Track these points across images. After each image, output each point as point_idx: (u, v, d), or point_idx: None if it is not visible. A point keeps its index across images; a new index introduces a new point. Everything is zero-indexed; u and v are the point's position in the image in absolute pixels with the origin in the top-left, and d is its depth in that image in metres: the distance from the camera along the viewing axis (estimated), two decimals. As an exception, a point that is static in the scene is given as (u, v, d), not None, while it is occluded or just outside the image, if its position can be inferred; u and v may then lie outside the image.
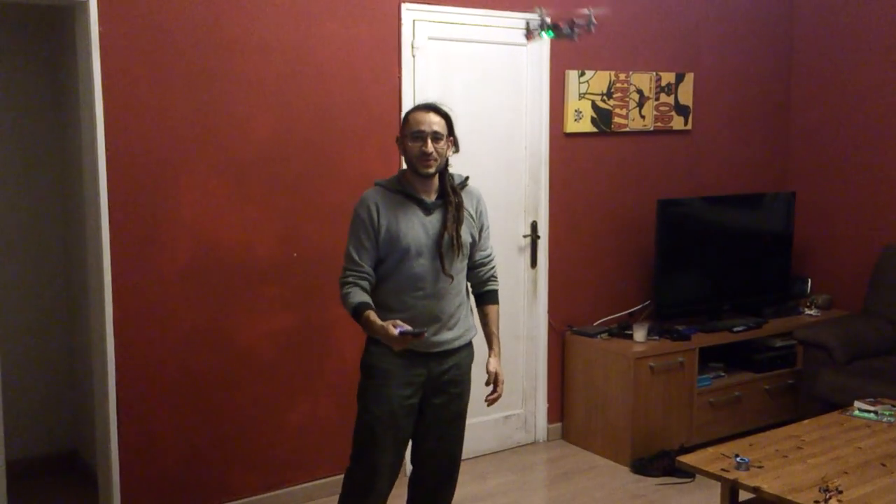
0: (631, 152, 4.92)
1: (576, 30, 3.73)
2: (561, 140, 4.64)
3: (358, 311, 2.83)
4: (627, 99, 4.83)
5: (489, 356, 3.09)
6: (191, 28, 3.58)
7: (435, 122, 2.90)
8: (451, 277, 2.94)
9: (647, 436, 4.44)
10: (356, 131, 4.00)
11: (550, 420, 4.79)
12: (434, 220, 2.92)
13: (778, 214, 5.24)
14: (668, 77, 4.98)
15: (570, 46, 4.59)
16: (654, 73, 4.92)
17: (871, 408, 3.78)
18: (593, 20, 3.83)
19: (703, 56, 5.16)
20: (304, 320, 3.95)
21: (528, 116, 4.54)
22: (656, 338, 4.59)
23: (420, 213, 2.92)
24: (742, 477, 3.08)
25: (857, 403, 3.83)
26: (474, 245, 3.05)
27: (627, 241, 4.95)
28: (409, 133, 2.90)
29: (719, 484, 3.21)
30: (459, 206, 2.95)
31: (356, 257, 2.91)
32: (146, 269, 3.58)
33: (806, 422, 3.73)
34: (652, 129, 4.95)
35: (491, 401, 3.07)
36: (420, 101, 4.15)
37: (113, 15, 3.41)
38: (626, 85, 4.81)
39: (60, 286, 4.44)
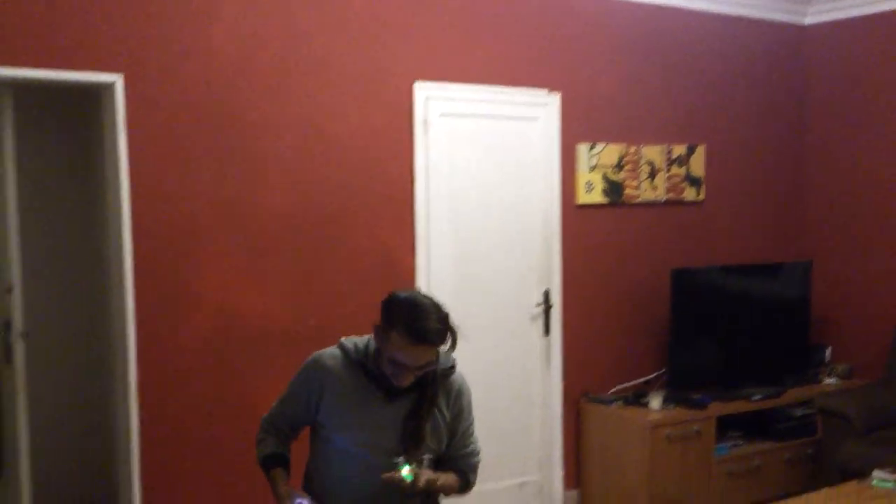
0: (643, 222, 4.98)
1: None
2: (573, 211, 4.72)
3: (266, 465, 2.47)
4: (638, 171, 4.90)
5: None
6: (213, 108, 3.76)
7: (425, 357, 2.29)
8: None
9: (665, 506, 4.40)
10: (370, 204, 4.13)
11: (567, 487, 4.75)
12: (395, 409, 2.37)
13: (795, 283, 5.23)
14: (679, 149, 5.05)
15: (581, 120, 4.71)
16: (666, 146, 5.00)
17: (891, 477, 3.72)
18: None
19: (714, 127, 5.23)
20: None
21: (540, 188, 4.63)
22: (672, 406, 4.58)
23: (380, 399, 2.37)
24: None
25: (875, 473, 3.77)
26: (444, 448, 2.44)
27: (641, 309, 4.97)
28: (390, 352, 2.29)
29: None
30: (432, 402, 2.38)
31: (278, 414, 2.52)
32: (169, 340, 3.69)
33: (824, 491, 3.68)
34: (664, 200, 5.01)
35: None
36: (433, 175, 4.31)
37: (138, 95, 3.60)
38: (637, 157, 4.89)
39: (83, 357, 4.54)
